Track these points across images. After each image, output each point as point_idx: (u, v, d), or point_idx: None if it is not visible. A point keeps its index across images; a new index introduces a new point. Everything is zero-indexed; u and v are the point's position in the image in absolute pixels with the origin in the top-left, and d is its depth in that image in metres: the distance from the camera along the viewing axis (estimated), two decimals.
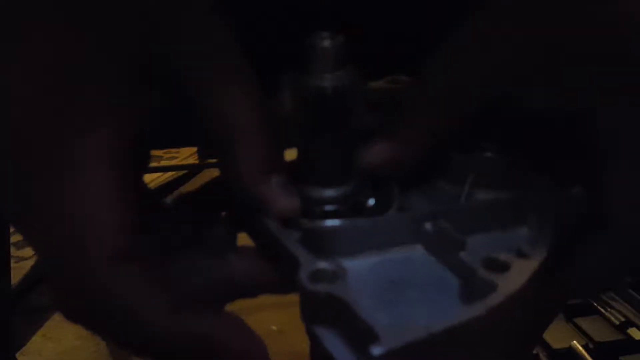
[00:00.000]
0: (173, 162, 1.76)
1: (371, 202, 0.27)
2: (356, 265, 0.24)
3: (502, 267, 0.22)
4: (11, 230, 0.64)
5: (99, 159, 0.23)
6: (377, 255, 0.25)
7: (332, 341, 0.21)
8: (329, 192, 0.26)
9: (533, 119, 0.27)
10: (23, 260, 1.51)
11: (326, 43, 0.24)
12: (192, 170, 1.75)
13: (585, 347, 1.03)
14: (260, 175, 0.25)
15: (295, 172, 0.27)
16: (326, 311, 0.21)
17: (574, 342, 1.03)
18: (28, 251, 1.56)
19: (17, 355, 0.91)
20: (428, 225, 0.25)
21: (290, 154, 0.28)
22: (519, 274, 0.22)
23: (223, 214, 0.30)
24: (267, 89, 0.26)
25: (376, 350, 0.19)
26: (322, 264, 0.23)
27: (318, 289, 0.22)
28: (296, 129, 0.27)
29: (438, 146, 0.27)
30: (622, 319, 1.09)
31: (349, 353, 0.21)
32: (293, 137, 0.27)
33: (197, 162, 1.71)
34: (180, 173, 1.76)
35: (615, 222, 0.27)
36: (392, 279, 0.24)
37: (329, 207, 0.26)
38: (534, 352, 1.00)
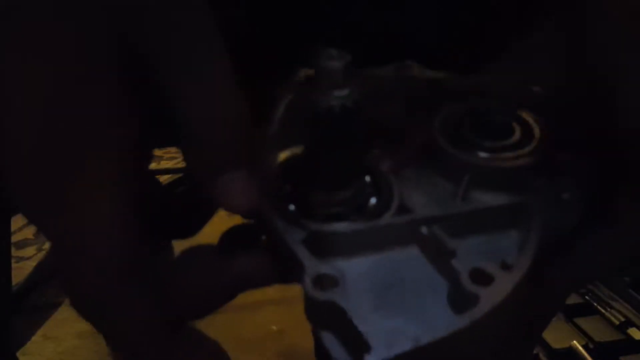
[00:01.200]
0: (173, 163, 1.76)
1: (372, 201, 0.27)
2: (354, 266, 0.25)
3: (486, 280, 0.24)
4: (12, 230, 0.64)
5: (103, 172, 0.23)
6: (374, 255, 0.26)
7: (333, 344, 0.23)
8: (332, 195, 0.27)
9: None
10: (23, 260, 1.51)
11: (334, 62, 0.24)
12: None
13: (585, 347, 1.03)
14: (215, 170, 0.25)
15: (300, 174, 0.27)
16: (328, 315, 0.23)
17: (574, 342, 1.04)
18: (28, 251, 1.57)
19: (17, 354, 0.91)
20: (424, 229, 0.26)
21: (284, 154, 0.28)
22: (501, 286, 0.24)
23: None
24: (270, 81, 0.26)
25: (369, 359, 0.22)
26: (325, 269, 0.24)
27: (321, 296, 0.23)
28: (300, 141, 0.27)
29: None
30: (622, 319, 1.09)
31: (348, 357, 0.22)
32: (293, 143, 0.28)
33: None
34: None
35: (623, 219, 0.28)
36: (387, 279, 0.25)
37: (332, 210, 0.27)
38: (534, 352, 1.00)
